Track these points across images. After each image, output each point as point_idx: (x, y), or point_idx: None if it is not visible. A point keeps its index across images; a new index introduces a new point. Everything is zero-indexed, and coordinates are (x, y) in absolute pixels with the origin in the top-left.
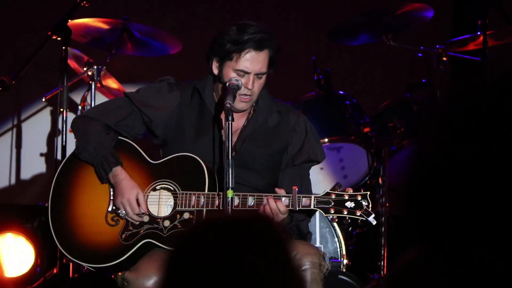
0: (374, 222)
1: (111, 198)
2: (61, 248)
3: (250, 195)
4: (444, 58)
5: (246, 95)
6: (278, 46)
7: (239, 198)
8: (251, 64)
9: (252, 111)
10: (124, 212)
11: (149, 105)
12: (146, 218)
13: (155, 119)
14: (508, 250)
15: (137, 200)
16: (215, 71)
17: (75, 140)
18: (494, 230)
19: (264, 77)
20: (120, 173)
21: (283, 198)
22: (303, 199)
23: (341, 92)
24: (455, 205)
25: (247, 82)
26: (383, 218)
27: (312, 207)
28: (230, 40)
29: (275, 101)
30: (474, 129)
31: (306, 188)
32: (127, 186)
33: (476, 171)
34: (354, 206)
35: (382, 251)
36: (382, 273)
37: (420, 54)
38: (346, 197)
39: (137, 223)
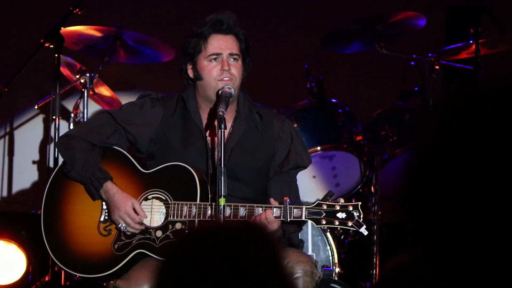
0: (366, 233)
1: (103, 208)
2: (54, 258)
3: (241, 206)
4: (437, 67)
5: (225, 78)
6: (247, 40)
7: (231, 209)
8: (220, 44)
9: (235, 118)
10: (124, 225)
11: (133, 123)
12: (142, 225)
13: (139, 137)
14: (507, 259)
15: (134, 210)
16: (192, 75)
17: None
18: (492, 238)
19: (240, 62)
20: (111, 188)
21: (275, 209)
22: (295, 210)
23: (333, 100)
24: (451, 211)
25: (223, 64)
26: (375, 227)
27: (303, 218)
28: (192, 35)
29: (256, 105)
30: (468, 134)
31: (294, 195)
32: (121, 199)
33: (472, 175)
34: (345, 217)
35: (374, 260)
36: (374, 281)
37: (412, 63)
38: (338, 208)
39: (136, 231)
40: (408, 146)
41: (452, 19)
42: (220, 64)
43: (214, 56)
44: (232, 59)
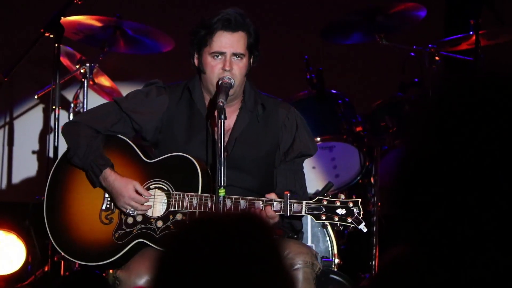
0: (365, 230)
1: (105, 196)
2: (55, 245)
3: (242, 199)
4: (437, 58)
5: (226, 77)
6: (257, 33)
7: (232, 201)
8: (224, 43)
9: (241, 109)
10: (132, 209)
11: (138, 111)
12: (139, 218)
13: (145, 125)
14: (498, 250)
15: (137, 192)
16: (196, 63)
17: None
18: (485, 229)
19: (244, 60)
20: (109, 175)
21: (275, 203)
22: (295, 204)
23: (333, 91)
24: (446, 202)
25: (224, 63)
26: (374, 218)
27: (303, 213)
28: (202, 26)
29: (261, 94)
30: (462, 125)
31: (299, 183)
32: (121, 185)
33: (467, 167)
34: (345, 213)
35: (374, 251)
36: (373, 272)
37: (412, 54)
38: (338, 204)
39: (145, 212)
40: (404, 136)
41: (452, 10)
42: (222, 62)
43: (217, 54)
44: (235, 58)
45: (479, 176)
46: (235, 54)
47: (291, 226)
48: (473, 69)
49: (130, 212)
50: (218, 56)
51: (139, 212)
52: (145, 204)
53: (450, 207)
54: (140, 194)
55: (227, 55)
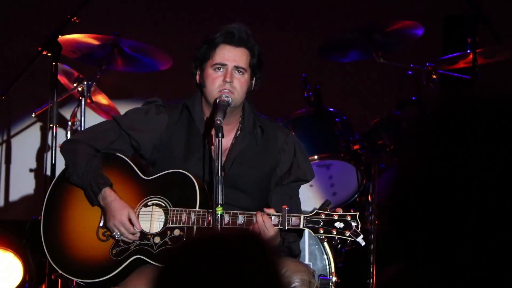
0: (363, 243)
1: (102, 213)
2: (52, 262)
3: (240, 213)
4: (434, 76)
5: (225, 89)
6: (260, 54)
7: (229, 216)
8: (226, 55)
9: (239, 129)
10: (118, 233)
11: (137, 129)
12: (137, 235)
13: (143, 143)
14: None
15: (130, 220)
16: (198, 80)
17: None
18: (480, 243)
19: (245, 76)
20: (109, 195)
21: (273, 217)
22: (293, 218)
23: (331, 109)
24: (440, 220)
25: (225, 75)
26: (372, 236)
27: (301, 226)
28: (205, 41)
29: (261, 117)
30: (456, 142)
31: (295, 207)
32: (118, 208)
33: (462, 183)
34: (343, 227)
35: (371, 269)
36: None
37: (410, 72)
38: (336, 217)
39: (129, 241)
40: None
41: (450, 28)
42: (223, 74)
43: (219, 66)
44: (237, 72)
45: (474, 192)
46: (236, 68)
47: (289, 251)
48: (469, 88)
49: (116, 236)
50: (219, 69)
51: (123, 238)
52: (132, 233)
53: (447, 220)
54: (132, 224)
55: (228, 68)
